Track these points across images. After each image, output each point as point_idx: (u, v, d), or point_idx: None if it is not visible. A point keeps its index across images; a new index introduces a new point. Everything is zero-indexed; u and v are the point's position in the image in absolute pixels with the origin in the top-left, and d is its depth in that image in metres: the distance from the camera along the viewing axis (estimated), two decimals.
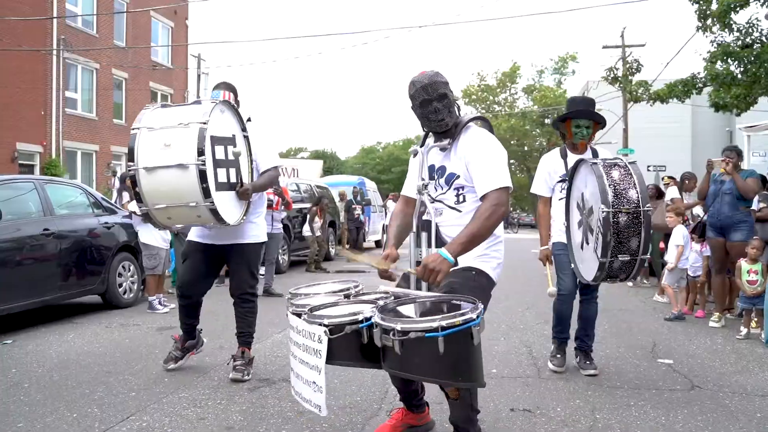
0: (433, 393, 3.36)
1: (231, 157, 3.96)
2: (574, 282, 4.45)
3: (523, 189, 37.06)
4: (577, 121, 4.48)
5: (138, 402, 3.77)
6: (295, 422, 3.41)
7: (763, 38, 10.63)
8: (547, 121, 40.93)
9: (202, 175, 3.62)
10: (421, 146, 3.00)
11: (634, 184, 3.70)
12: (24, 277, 6.05)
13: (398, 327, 2.25)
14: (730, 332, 6.04)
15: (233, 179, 4.01)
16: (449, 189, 2.91)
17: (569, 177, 4.24)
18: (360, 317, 2.45)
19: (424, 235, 2.85)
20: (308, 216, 11.99)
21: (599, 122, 4.60)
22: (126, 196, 8.27)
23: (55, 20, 20.40)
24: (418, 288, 2.82)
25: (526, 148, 47.27)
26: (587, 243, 4.00)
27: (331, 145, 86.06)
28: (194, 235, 4.39)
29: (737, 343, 5.60)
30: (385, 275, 2.93)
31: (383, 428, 3.22)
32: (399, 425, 3.21)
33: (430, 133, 3.03)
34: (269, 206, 7.67)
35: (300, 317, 2.59)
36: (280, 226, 8.94)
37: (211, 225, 3.99)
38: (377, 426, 3.26)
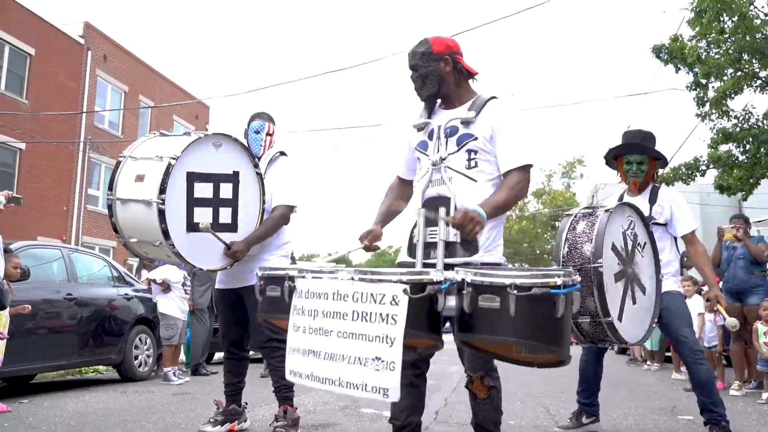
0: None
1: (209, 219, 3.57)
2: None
3: None
4: (627, 156, 4.03)
5: None
6: None
7: (760, 123, 11.14)
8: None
9: (161, 215, 3.37)
10: (428, 117, 2.82)
11: (592, 237, 3.07)
12: (43, 340, 6.13)
13: (517, 282, 1.93)
14: (751, 399, 5.93)
15: (224, 220, 3.69)
16: (459, 150, 2.69)
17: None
18: (440, 277, 2.08)
19: (442, 210, 2.56)
20: None
21: (657, 158, 4.07)
22: (144, 273, 8.48)
23: (83, 122, 21.53)
24: (425, 265, 2.53)
25: (537, 251, 47.52)
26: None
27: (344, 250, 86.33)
28: (217, 281, 4.16)
29: (759, 406, 5.50)
30: (369, 250, 2.76)
31: None
32: None
33: (439, 106, 2.86)
34: None
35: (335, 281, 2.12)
36: None
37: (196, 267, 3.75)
38: None
